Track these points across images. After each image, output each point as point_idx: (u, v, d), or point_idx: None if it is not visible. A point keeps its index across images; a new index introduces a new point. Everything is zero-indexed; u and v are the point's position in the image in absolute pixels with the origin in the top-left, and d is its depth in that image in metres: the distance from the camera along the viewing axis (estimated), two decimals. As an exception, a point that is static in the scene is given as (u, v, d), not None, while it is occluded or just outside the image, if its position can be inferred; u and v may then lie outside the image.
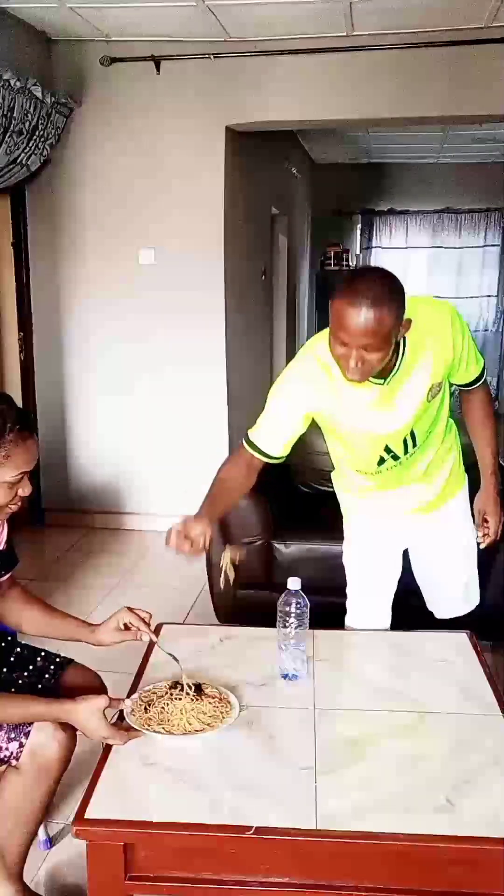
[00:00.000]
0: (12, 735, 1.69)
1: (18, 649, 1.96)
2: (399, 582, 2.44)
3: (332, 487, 3.55)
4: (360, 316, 1.75)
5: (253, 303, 5.60)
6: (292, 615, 1.92)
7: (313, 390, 2.00)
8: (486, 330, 8.72)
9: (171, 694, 1.77)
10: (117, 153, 4.47)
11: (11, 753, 1.70)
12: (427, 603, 2.46)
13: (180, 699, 1.74)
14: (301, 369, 2.02)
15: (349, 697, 1.90)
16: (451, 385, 2.14)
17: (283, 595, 1.94)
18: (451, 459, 2.29)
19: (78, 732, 1.73)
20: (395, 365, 1.94)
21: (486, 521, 2.30)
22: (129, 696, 1.80)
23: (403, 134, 6.86)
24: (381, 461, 2.13)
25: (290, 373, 2.04)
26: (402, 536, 2.38)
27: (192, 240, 4.50)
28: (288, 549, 3.05)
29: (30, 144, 3.92)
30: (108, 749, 1.67)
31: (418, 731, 1.77)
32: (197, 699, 1.74)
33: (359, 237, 8.84)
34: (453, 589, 2.41)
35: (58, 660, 1.98)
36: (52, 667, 1.96)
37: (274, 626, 1.97)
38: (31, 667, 1.94)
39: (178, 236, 4.52)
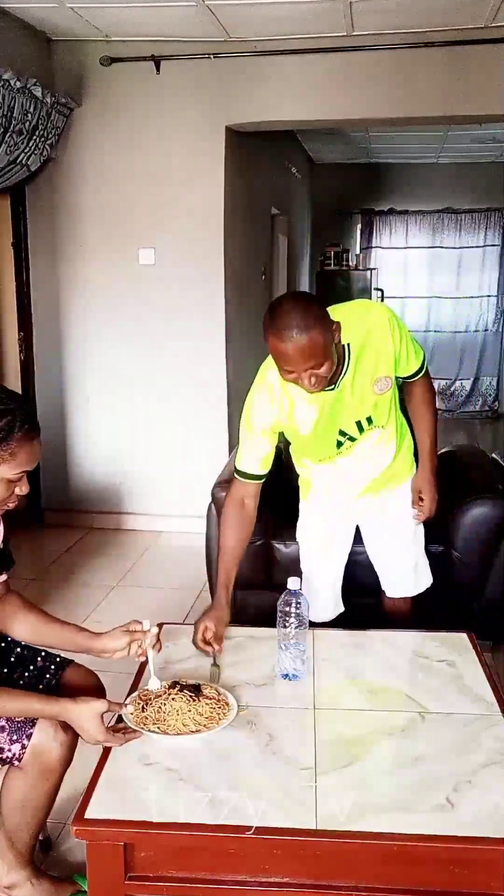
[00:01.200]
0: (14, 737, 1.70)
1: (19, 650, 1.96)
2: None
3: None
4: (295, 346, 1.90)
5: (253, 303, 5.60)
6: (292, 615, 1.92)
7: (274, 413, 2.20)
8: (486, 330, 8.71)
9: (170, 694, 1.77)
10: (117, 153, 4.47)
11: (14, 754, 1.71)
12: (381, 582, 2.62)
13: (176, 700, 1.74)
14: (259, 400, 2.22)
15: (349, 697, 1.90)
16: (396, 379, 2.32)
17: (282, 595, 1.94)
18: (405, 442, 2.46)
19: None
20: (342, 370, 2.11)
21: (421, 499, 2.48)
22: (128, 696, 1.80)
23: (403, 134, 6.86)
24: (339, 444, 2.30)
25: (252, 405, 2.24)
26: (353, 516, 2.55)
27: (192, 240, 4.50)
28: (287, 549, 3.05)
29: (30, 144, 3.92)
30: (108, 749, 1.67)
31: (418, 731, 1.77)
32: (194, 700, 1.74)
33: (358, 237, 8.84)
34: (403, 569, 2.58)
35: (58, 660, 1.99)
36: (52, 667, 1.96)
37: (274, 626, 1.97)
38: (31, 667, 1.94)
39: (178, 236, 4.52)
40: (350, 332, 2.08)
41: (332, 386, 2.12)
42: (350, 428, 2.27)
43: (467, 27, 3.93)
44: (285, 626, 1.93)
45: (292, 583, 1.94)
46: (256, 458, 2.25)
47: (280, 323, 1.91)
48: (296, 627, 1.93)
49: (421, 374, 2.36)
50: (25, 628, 1.91)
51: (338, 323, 1.99)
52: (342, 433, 2.28)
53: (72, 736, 1.75)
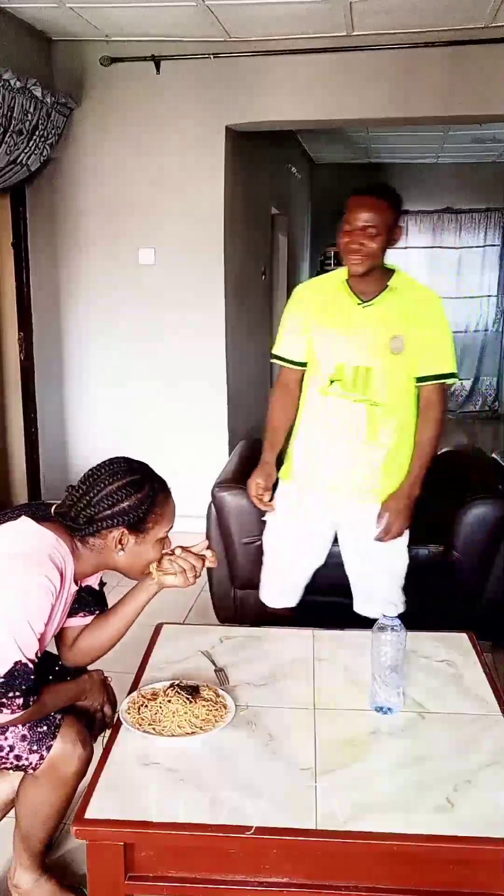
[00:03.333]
0: (35, 747, 1.72)
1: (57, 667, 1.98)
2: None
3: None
4: (366, 200, 2.32)
5: (253, 303, 5.60)
6: (388, 644, 1.81)
7: (310, 303, 2.52)
8: (486, 330, 8.71)
9: (167, 695, 1.77)
10: (117, 153, 4.47)
11: (31, 763, 1.73)
12: (354, 600, 2.59)
13: (173, 701, 1.74)
14: (301, 292, 2.60)
15: (349, 697, 1.90)
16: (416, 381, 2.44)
17: (377, 623, 1.83)
18: (399, 457, 2.46)
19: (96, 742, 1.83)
20: (379, 290, 2.39)
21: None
22: (128, 695, 1.82)
23: (403, 134, 6.85)
24: (332, 382, 2.43)
25: (294, 297, 2.58)
26: (329, 513, 2.51)
27: (192, 240, 4.50)
28: (288, 549, 3.05)
29: (30, 144, 3.92)
30: (108, 749, 1.67)
31: (418, 731, 1.77)
32: (191, 702, 1.74)
33: (359, 237, 8.84)
34: (379, 588, 2.52)
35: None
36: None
37: (273, 625, 1.97)
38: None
39: (178, 236, 4.52)
40: (403, 284, 2.41)
41: (363, 301, 2.39)
42: (352, 364, 2.39)
43: (468, 27, 3.93)
44: (380, 657, 1.82)
45: (388, 610, 1.86)
46: (293, 343, 2.52)
47: (367, 186, 2.38)
48: (391, 657, 1.81)
49: (444, 381, 2.44)
50: (93, 643, 1.93)
51: (401, 227, 2.37)
52: (340, 370, 2.40)
53: (89, 751, 1.79)
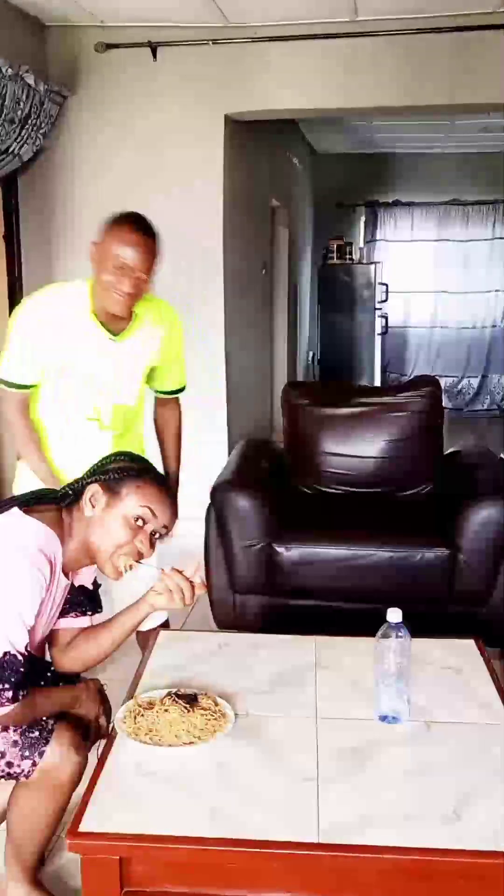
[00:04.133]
0: (27, 753, 1.72)
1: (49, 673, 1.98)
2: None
3: (334, 488, 3.57)
4: (139, 239, 2.24)
5: (253, 299, 5.60)
6: (392, 650, 1.79)
7: (48, 329, 2.31)
8: (494, 326, 8.70)
9: (164, 703, 1.77)
10: (112, 142, 4.47)
11: (23, 770, 1.73)
12: None
13: (170, 711, 1.74)
14: (35, 312, 2.36)
15: (352, 705, 1.90)
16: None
17: (381, 628, 1.82)
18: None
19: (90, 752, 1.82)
20: (128, 325, 2.34)
21: None
22: (123, 703, 1.82)
23: (409, 123, 6.85)
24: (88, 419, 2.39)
25: (26, 316, 2.36)
26: None
27: (190, 232, 4.50)
28: (289, 553, 3.05)
29: (22, 133, 3.92)
30: (103, 758, 1.67)
31: (424, 741, 1.77)
32: (189, 711, 1.74)
33: (362, 229, 8.83)
34: None
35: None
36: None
37: (274, 632, 1.97)
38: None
39: (175, 229, 4.50)
40: (150, 309, 2.39)
41: (115, 335, 2.32)
42: (105, 408, 2.36)
43: (475, 12, 3.93)
44: (384, 663, 1.80)
45: (392, 614, 1.81)
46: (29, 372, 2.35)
47: (133, 218, 2.25)
48: (396, 664, 1.80)
49: (176, 396, 2.61)
50: (86, 653, 1.94)
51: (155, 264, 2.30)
52: (97, 409, 2.36)
53: (83, 758, 1.78)
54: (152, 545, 1.84)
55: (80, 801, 1.56)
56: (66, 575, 1.81)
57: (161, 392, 2.61)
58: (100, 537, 1.79)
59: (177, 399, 2.65)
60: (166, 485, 1.92)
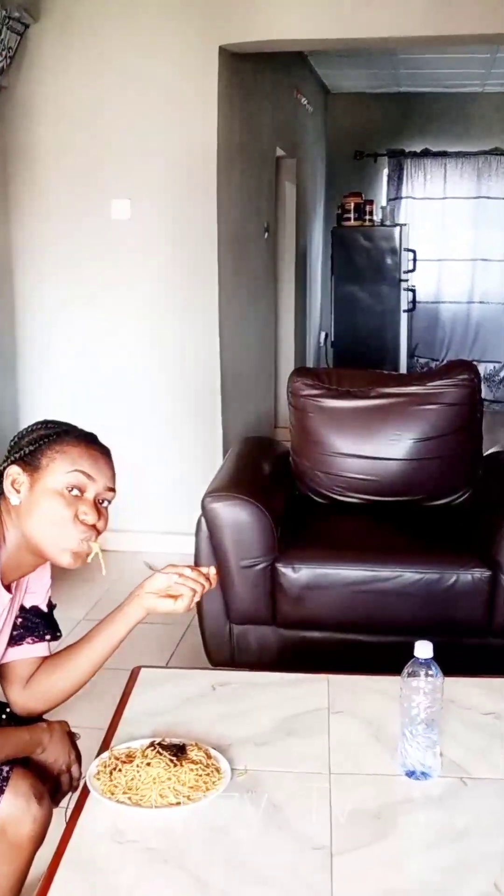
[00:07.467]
0: None
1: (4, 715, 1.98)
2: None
3: (351, 497, 3.56)
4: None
5: (253, 267, 5.61)
6: (421, 692, 1.75)
7: None
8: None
9: (146, 756, 1.77)
10: (84, 80, 4.47)
11: None
12: None
13: (153, 765, 1.74)
14: None
15: (372, 759, 1.90)
16: None
17: (407, 665, 1.79)
18: None
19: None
20: None
21: None
22: (97, 756, 1.81)
23: (440, 57, 6.87)
24: None
25: None
26: None
27: (178, 188, 4.51)
28: (296, 574, 3.05)
29: (-25, 69, 3.92)
30: (73, 821, 1.67)
31: (459, 801, 1.77)
32: (176, 765, 1.74)
33: (385, 185, 8.85)
34: None
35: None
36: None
37: (278, 669, 1.97)
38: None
39: (160, 184, 4.52)
40: None
41: None
42: None
43: None
44: (412, 707, 1.76)
45: (421, 649, 1.77)
46: None
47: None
48: (426, 708, 1.75)
49: None
50: (55, 686, 1.93)
51: None
52: None
53: (46, 810, 1.77)
54: (101, 514, 1.80)
55: (46, 872, 1.56)
56: (8, 588, 1.80)
57: None
58: (36, 524, 1.76)
59: None
60: (96, 441, 1.87)
